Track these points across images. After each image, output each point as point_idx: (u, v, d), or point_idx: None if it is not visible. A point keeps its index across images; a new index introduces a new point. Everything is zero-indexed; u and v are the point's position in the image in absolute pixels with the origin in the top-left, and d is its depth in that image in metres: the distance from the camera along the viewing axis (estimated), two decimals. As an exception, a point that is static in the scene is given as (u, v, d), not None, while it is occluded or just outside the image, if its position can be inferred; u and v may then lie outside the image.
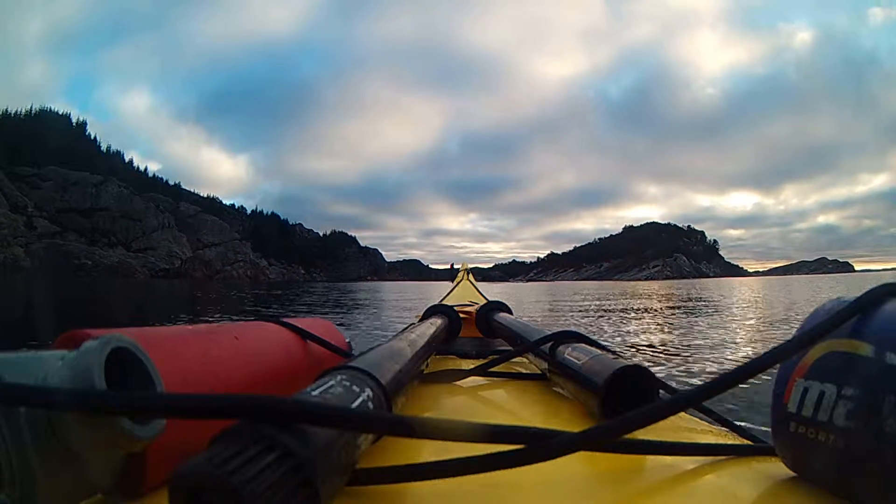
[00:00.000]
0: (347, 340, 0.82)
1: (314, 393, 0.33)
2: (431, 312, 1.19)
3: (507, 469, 0.30)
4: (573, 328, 0.75)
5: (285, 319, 0.70)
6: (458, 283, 3.14)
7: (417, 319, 1.22)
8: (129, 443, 0.28)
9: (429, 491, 0.35)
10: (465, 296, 2.44)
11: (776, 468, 0.40)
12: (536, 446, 0.30)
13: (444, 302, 1.93)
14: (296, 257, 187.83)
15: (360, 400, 0.35)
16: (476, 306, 1.42)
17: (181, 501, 0.21)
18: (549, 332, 0.75)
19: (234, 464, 0.21)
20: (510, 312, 1.27)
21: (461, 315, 1.20)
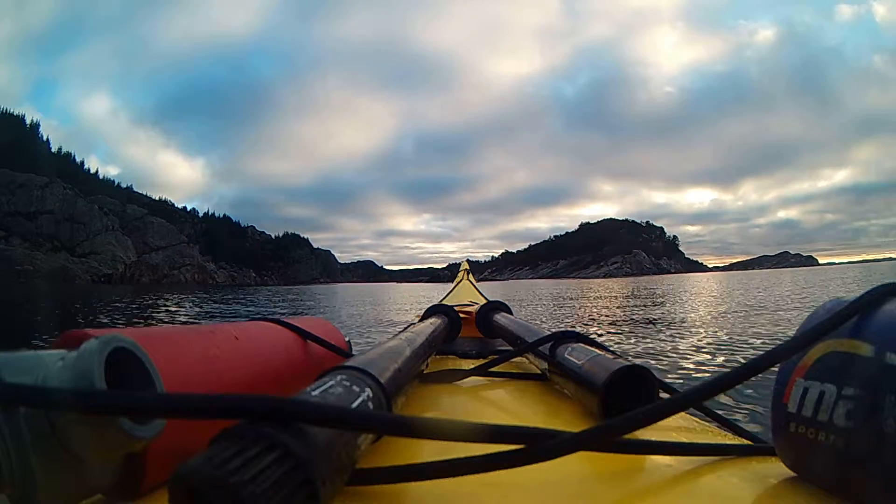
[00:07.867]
0: (347, 340, 0.82)
1: (314, 393, 0.33)
2: (431, 312, 1.19)
3: (507, 469, 0.30)
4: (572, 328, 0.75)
5: (285, 319, 0.70)
6: (458, 283, 3.14)
7: (417, 319, 1.22)
8: (129, 443, 0.28)
9: (429, 491, 0.34)
10: (465, 296, 2.43)
11: (776, 468, 0.40)
12: (536, 446, 0.30)
13: (444, 302, 1.93)
14: (247, 260, 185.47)
15: (359, 400, 0.35)
16: (476, 306, 1.42)
17: (181, 501, 0.21)
18: (549, 333, 0.75)
19: (234, 464, 0.21)
20: (510, 312, 1.27)
21: (461, 315, 1.20)
